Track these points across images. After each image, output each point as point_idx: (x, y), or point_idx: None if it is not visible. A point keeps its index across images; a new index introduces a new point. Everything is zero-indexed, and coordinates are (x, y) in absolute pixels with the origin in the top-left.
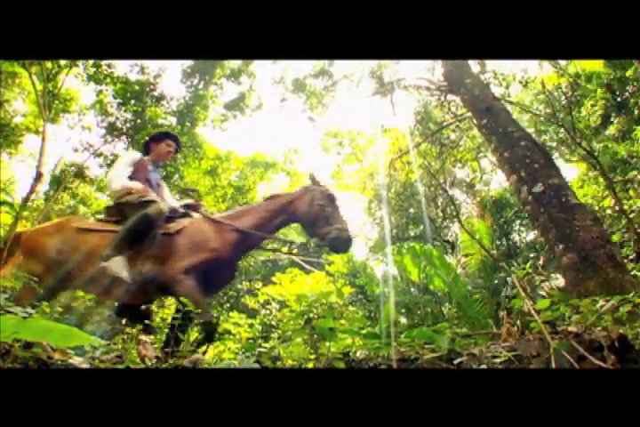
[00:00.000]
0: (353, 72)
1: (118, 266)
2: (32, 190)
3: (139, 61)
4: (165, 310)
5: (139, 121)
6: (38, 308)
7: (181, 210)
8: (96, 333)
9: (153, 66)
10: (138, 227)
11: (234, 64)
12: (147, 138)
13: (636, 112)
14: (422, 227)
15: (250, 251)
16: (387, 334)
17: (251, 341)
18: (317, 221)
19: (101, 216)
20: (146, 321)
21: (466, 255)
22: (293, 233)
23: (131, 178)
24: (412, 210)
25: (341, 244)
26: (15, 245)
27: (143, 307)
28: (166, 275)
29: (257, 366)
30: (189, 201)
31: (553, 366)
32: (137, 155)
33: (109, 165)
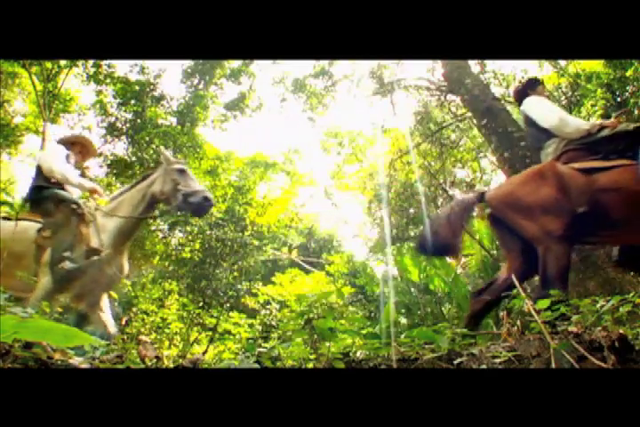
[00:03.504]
0: (353, 72)
1: None
2: None
3: (139, 61)
4: (165, 310)
5: (139, 121)
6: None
7: None
8: (96, 333)
9: (153, 66)
10: None
11: (234, 64)
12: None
13: (636, 112)
14: (422, 227)
15: None
16: (387, 334)
17: (251, 341)
18: None
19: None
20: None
21: (466, 255)
22: (293, 232)
23: None
24: (412, 210)
25: None
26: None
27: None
28: None
29: (257, 366)
30: None
31: (553, 366)
32: None
33: (109, 166)
